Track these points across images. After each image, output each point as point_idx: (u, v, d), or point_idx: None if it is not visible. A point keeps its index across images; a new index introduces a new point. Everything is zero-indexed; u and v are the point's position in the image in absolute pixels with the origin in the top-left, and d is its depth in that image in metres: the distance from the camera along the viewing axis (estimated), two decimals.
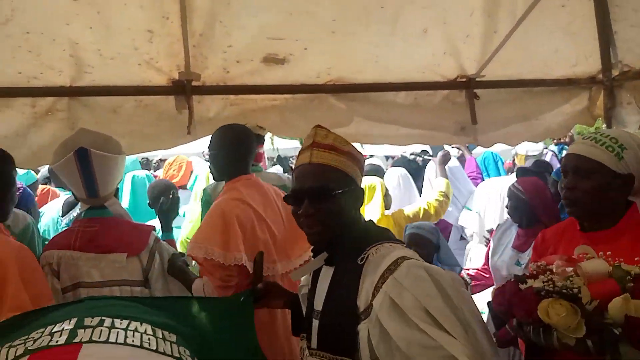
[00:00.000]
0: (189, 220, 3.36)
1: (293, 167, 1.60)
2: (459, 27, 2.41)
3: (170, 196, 2.57)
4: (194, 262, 2.25)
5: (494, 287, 1.52)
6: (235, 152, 2.30)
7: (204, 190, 3.01)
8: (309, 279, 1.59)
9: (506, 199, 2.93)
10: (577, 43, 2.70)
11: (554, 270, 1.37)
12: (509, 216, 2.94)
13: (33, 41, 2.12)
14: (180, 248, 2.96)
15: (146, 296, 2.08)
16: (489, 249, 3.09)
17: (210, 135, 2.44)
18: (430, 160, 4.14)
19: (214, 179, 2.43)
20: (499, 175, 4.97)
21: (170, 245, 2.40)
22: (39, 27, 2.06)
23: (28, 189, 3.18)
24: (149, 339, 1.35)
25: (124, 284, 2.13)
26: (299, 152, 1.51)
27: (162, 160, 6.70)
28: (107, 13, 2.03)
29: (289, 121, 2.81)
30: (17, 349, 1.23)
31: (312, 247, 1.53)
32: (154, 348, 1.33)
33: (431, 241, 2.95)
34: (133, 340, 1.31)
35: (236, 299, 1.73)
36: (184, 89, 2.56)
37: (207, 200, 2.91)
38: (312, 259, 1.55)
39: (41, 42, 2.13)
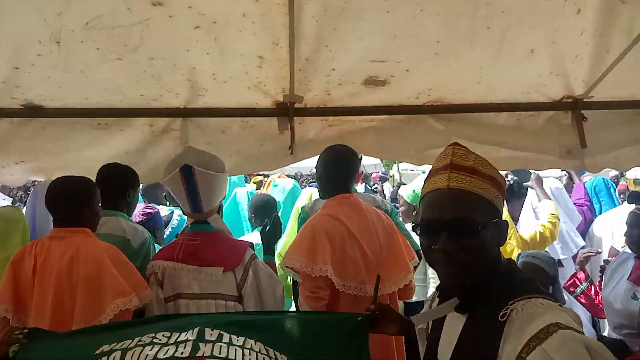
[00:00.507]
0: (285, 235, 3.46)
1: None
2: (568, 47, 2.32)
3: (273, 219, 2.59)
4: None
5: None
6: (337, 172, 2.38)
7: (302, 208, 3.11)
8: (427, 315, 1.43)
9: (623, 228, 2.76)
10: None
11: None
12: (626, 247, 2.76)
13: (156, 67, 2.30)
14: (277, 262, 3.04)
15: (259, 311, 2.14)
16: (600, 281, 2.91)
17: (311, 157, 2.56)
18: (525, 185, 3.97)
19: (320, 197, 2.49)
20: (612, 202, 4.62)
21: (270, 267, 2.39)
22: (162, 54, 2.24)
23: (159, 213, 3.39)
24: (263, 358, 1.40)
25: (219, 298, 2.23)
26: (429, 174, 1.31)
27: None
28: (223, 40, 2.17)
29: (386, 143, 2.84)
30: (147, 354, 1.33)
31: (441, 286, 1.36)
32: None
33: (548, 273, 2.69)
34: (250, 359, 1.37)
35: (352, 320, 1.67)
36: (287, 111, 2.68)
37: (303, 218, 2.99)
38: (437, 298, 1.40)
39: (163, 68, 2.31)
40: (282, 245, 3.35)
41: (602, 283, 2.88)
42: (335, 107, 2.70)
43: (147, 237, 2.53)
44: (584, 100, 2.74)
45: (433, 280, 3.25)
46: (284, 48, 2.26)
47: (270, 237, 2.56)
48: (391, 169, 15.89)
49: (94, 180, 2.38)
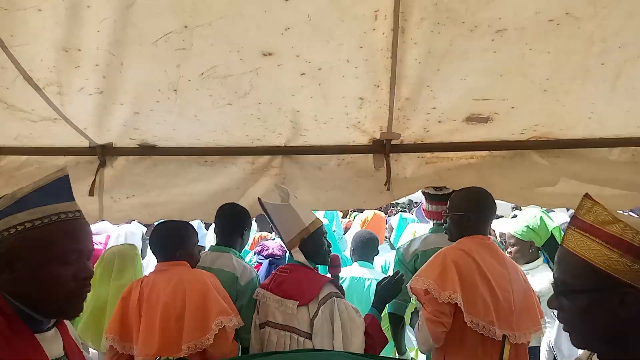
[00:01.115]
0: None
1: None
2: None
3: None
4: None
5: None
6: (481, 213, 2.37)
7: (397, 249, 3.08)
8: None
9: None
10: None
11: None
12: None
13: (263, 110, 2.41)
14: None
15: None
16: None
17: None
18: None
19: (449, 239, 2.47)
20: None
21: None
22: (269, 99, 2.34)
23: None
24: None
25: (293, 332, 2.31)
26: None
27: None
28: (327, 84, 2.23)
29: (487, 180, 2.75)
30: None
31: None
32: None
33: None
34: None
35: None
36: (383, 147, 2.69)
37: (399, 259, 2.97)
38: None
39: (269, 111, 2.41)
40: None
41: None
42: (432, 143, 2.68)
43: (255, 277, 2.67)
44: None
45: (549, 325, 3.10)
46: (385, 89, 2.28)
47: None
48: None
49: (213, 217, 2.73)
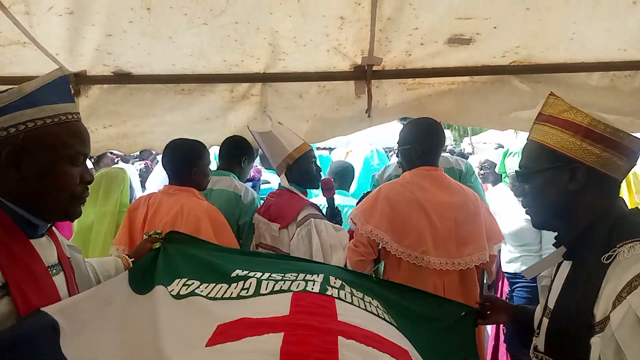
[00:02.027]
0: None
1: None
2: None
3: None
4: None
5: None
6: (426, 143, 2.31)
7: (372, 176, 3.13)
8: (552, 270, 1.42)
9: None
10: None
11: None
12: None
13: (240, 31, 2.33)
14: None
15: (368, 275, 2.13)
16: None
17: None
18: None
19: (402, 168, 2.44)
20: None
21: None
22: (246, 18, 2.26)
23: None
24: (379, 312, 1.43)
25: (278, 252, 2.38)
26: None
27: None
28: (305, 1, 2.16)
29: (465, 106, 2.76)
30: (281, 285, 1.41)
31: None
32: (385, 318, 1.41)
33: None
34: (371, 309, 1.40)
35: (454, 312, 1.67)
36: (364, 74, 2.65)
37: (374, 185, 3.00)
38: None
39: (247, 32, 2.34)
40: None
41: None
42: (414, 68, 2.64)
43: (256, 197, 2.77)
44: None
45: (548, 252, 3.18)
46: (366, 8, 2.22)
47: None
48: (461, 142, 15.16)
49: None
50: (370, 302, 1.46)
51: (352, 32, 2.38)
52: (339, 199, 3.52)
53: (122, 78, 2.76)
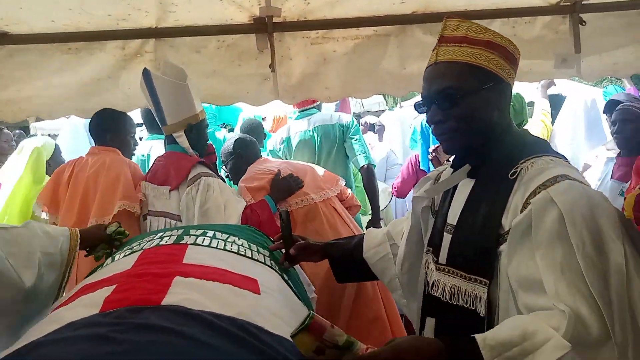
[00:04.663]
0: None
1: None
2: None
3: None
4: None
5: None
6: None
7: None
8: (440, 186, 1.41)
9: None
10: None
11: None
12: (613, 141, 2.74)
13: None
14: None
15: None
16: None
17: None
18: None
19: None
20: None
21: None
22: None
23: None
24: (244, 250, 1.44)
25: (167, 216, 2.27)
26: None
27: None
28: None
29: (372, 61, 2.68)
30: (134, 247, 1.40)
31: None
32: (249, 255, 1.42)
33: None
34: (231, 248, 1.41)
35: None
36: (265, 26, 2.52)
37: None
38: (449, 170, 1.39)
39: None
40: None
41: None
42: (315, 19, 2.54)
43: None
44: (583, 2, 2.55)
45: None
46: None
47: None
48: (395, 105, 15.12)
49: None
50: (234, 242, 1.46)
51: None
52: None
53: None
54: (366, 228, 3.59)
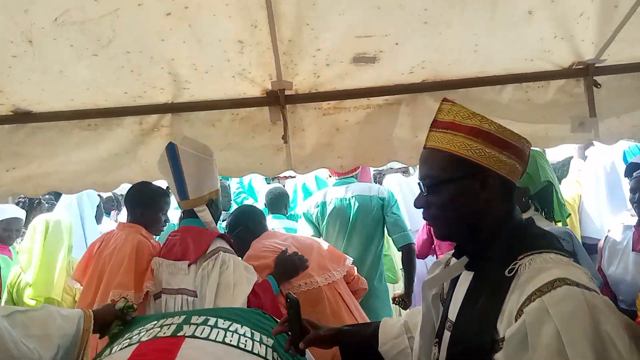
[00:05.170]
0: None
1: None
2: (570, 5, 2.12)
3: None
4: None
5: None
6: None
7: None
8: (438, 277, 1.37)
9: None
10: None
11: None
12: (633, 211, 2.60)
13: (134, 61, 2.22)
14: None
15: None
16: (600, 261, 2.72)
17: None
18: None
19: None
20: None
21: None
22: (137, 47, 2.15)
23: None
24: (246, 340, 1.39)
25: (184, 293, 2.19)
26: None
27: None
28: (197, 25, 2.07)
29: (385, 132, 2.69)
30: (132, 338, 1.36)
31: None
32: (249, 349, 1.36)
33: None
34: (231, 340, 1.36)
35: None
36: (277, 99, 2.56)
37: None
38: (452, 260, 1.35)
39: (141, 61, 2.23)
40: None
41: (602, 262, 2.69)
42: (326, 91, 2.57)
43: None
44: (596, 65, 2.53)
45: None
46: (264, 30, 2.14)
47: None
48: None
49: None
50: (235, 331, 1.41)
51: (254, 56, 2.30)
52: (276, 224, 3.44)
53: (21, 117, 2.59)
54: (395, 300, 3.51)
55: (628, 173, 2.99)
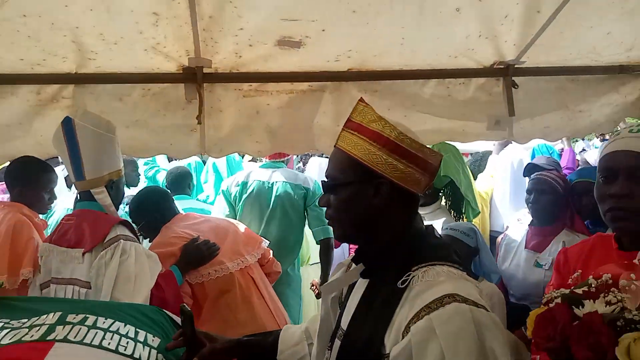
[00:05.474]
0: None
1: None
2: (496, 6, 2.13)
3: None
4: None
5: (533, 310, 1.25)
6: None
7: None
8: (334, 283, 1.34)
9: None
10: (634, 23, 2.38)
11: (622, 285, 1.03)
12: (528, 210, 2.77)
13: (31, 26, 1.96)
14: None
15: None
16: (497, 257, 2.86)
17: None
18: None
19: None
20: None
21: None
22: (36, 10, 1.90)
23: None
24: (127, 342, 1.30)
25: (75, 284, 2.00)
26: None
27: None
28: None
29: (308, 118, 2.60)
30: None
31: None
32: (129, 353, 1.27)
33: (466, 244, 2.55)
34: (109, 343, 1.26)
35: None
36: (194, 76, 2.39)
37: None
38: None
39: (40, 27, 1.97)
40: None
41: (498, 258, 2.84)
42: (249, 72, 2.44)
43: None
44: (516, 66, 2.59)
45: None
46: (182, 4, 1.96)
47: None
48: None
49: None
50: (116, 331, 1.32)
51: (170, 30, 2.11)
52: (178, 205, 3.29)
53: None
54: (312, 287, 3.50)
55: (526, 173, 3.13)
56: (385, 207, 1.17)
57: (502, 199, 3.95)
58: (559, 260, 1.53)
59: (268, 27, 2.14)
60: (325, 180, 1.25)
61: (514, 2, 2.15)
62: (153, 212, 2.58)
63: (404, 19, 2.11)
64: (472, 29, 2.26)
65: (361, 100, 1.24)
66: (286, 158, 3.46)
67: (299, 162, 5.96)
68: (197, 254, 2.37)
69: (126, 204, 3.34)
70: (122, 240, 2.00)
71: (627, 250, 1.30)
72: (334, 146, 1.26)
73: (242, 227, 2.75)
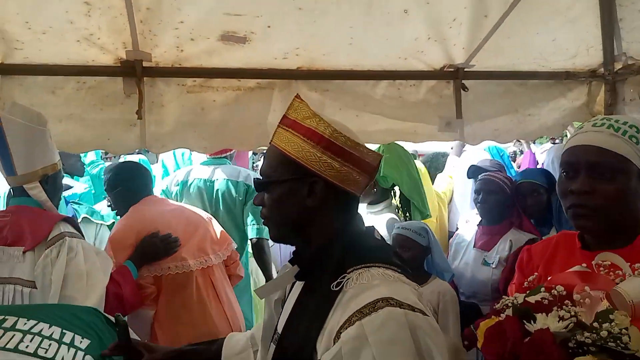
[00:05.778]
0: None
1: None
2: (444, 9, 2.11)
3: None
4: None
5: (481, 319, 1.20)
6: None
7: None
8: (270, 286, 1.30)
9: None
10: (577, 32, 2.41)
11: (576, 299, 0.99)
12: (477, 210, 2.79)
13: None
14: None
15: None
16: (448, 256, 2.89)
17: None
18: None
19: None
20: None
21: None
22: None
23: None
24: (50, 344, 1.22)
25: (17, 283, 1.87)
26: None
27: None
28: None
29: (257, 116, 2.50)
30: None
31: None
32: (50, 356, 1.20)
33: (418, 244, 2.51)
34: (27, 346, 1.19)
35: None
36: (133, 70, 2.26)
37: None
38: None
39: None
40: None
41: (448, 257, 2.87)
42: (192, 67, 2.33)
43: None
44: (465, 69, 2.58)
45: None
46: None
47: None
48: None
49: None
50: (38, 333, 1.25)
51: (104, 21, 2.00)
52: None
53: None
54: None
55: (471, 175, 3.16)
56: (319, 207, 1.12)
57: (460, 199, 3.97)
58: (522, 259, 1.48)
59: (210, 21, 2.05)
60: (259, 177, 1.19)
61: (462, 6, 2.14)
62: (129, 181, 2.50)
63: (352, 19, 2.06)
64: (421, 31, 2.23)
65: (297, 96, 1.18)
66: (229, 153, 3.32)
67: (254, 160, 5.83)
68: (152, 249, 2.29)
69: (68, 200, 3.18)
70: (67, 238, 1.91)
71: (591, 250, 1.28)
72: (269, 143, 1.20)
73: (215, 224, 2.65)
